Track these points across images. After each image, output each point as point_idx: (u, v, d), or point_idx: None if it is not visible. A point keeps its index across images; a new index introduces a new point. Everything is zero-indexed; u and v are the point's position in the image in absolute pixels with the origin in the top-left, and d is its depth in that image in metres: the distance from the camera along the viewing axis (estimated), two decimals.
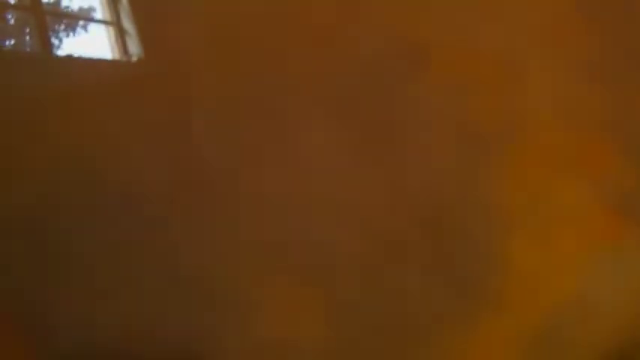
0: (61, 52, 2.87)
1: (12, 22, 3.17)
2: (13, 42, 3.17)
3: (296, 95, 2.43)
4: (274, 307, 2.26)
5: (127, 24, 2.66)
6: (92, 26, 3.13)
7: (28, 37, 2.99)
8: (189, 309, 2.21)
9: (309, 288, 2.29)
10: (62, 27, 3.13)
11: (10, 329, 2.01)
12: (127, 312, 2.12)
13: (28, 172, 2.08)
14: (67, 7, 3.25)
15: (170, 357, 2.15)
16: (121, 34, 2.68)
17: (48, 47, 2.48)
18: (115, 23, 2.68)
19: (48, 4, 2.93)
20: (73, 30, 3.12)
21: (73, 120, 2.28)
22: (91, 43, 3.04)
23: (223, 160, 2.37)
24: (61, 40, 3.11)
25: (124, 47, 2.67)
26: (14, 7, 2.77)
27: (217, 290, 2.24)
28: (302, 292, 2.29)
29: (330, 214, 2.37)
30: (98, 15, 2.94)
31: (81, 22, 3.06)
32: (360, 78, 2.48)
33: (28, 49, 2.93)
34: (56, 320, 2.04)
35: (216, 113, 2.45)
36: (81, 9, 3.19)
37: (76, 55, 2.76)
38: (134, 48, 2.63)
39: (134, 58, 2.62)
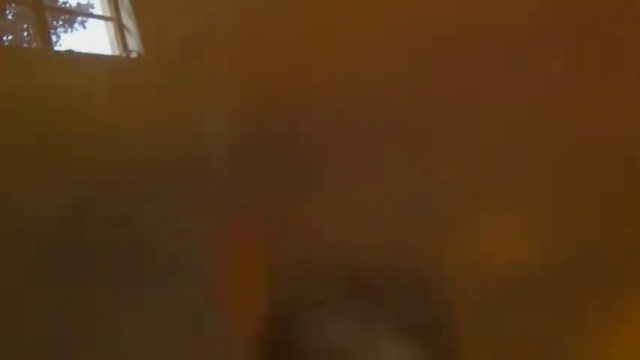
0: (60, 48, 2.86)
1: (10, 17, 3.15)
2: (10, 37, 3.15)
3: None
4: (490, 231, 2.30)
5: (127, 20, 2.65)
6: (91, 22, 3.11)
7: (26, 33, 2.98)
8: (410, 225, 2.31)
9: (524, 216, 2.32)
10: (61, 23, 3.12)
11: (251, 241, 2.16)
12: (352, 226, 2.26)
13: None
14: (66, 2, 3.23)
15: (388, 267, 2.22)
16: (120, 30, 2.67)
17: (47, 43, 2.47)
18: (115, 19, 2.68)
19: None
20: (72, 26, 3.11)
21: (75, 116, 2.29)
22: (90, 39, 3.03)
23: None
24: (59, 36, 3.10)
25: (123, 43, 2.66)
26: (13, 1, 2.76)
27: (436, 207, 2.31)
28: (517, 220, 2.32)
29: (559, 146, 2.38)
30: (98, 11, 2.93)
31: (80, 18, 3.04)
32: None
33: (26, 45, 2.92)
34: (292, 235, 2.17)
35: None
36: (79, 5, 3.18)
37: (76, 51, 2.74)
38: (134, 44, 2.62)
39: (134, 55, 2.61)
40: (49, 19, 2.93)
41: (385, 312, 2.27)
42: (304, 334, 2.21)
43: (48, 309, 1.97)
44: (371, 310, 2.26)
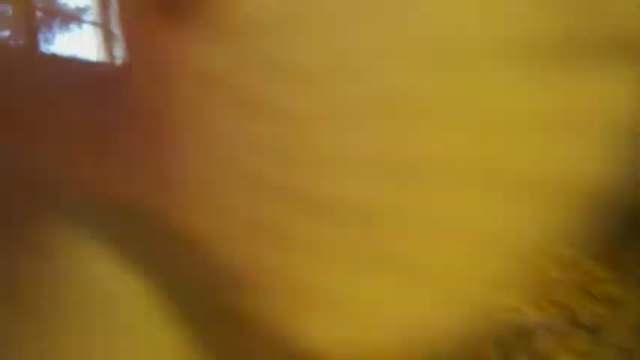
0: (48, 50, 2.85)
1: (9, 13, 3.16)
2: (8, 34, 3.15)
3: None
4: None
5: (115, 27, 2.64)
6: (84, 26, 3.12)
7: (16, 31, 2.98)
8: None
9: None
10: (53, 24, 3.12)
11: None
12: None
13: None
14: (64, 4, 3.23)
15: None
16: (108, 36, 2.66)
17: (35, 43, 2.46)
18: (103, 25, 2.66)
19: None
20: (63, 28, 3.11)
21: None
22: (81, 43, 3.03)
23: None
24: (49, 38, 3.10)
25: (110, 50, 2.64)
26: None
27: None
28: None
29: None
30: (90, 16, 2.93)
31: (72, 21, 3.05)
32: None
33: (14, 44, 2.91)
34: None
35: None
36: (77, 8, 3.18)
37: (62, 54, 2.73)
38: (119, 52, 2.61)
39: (118, 62, 2.59)
40: (42, 19, 2.92)
41: None
42: None
43: None
44: None
